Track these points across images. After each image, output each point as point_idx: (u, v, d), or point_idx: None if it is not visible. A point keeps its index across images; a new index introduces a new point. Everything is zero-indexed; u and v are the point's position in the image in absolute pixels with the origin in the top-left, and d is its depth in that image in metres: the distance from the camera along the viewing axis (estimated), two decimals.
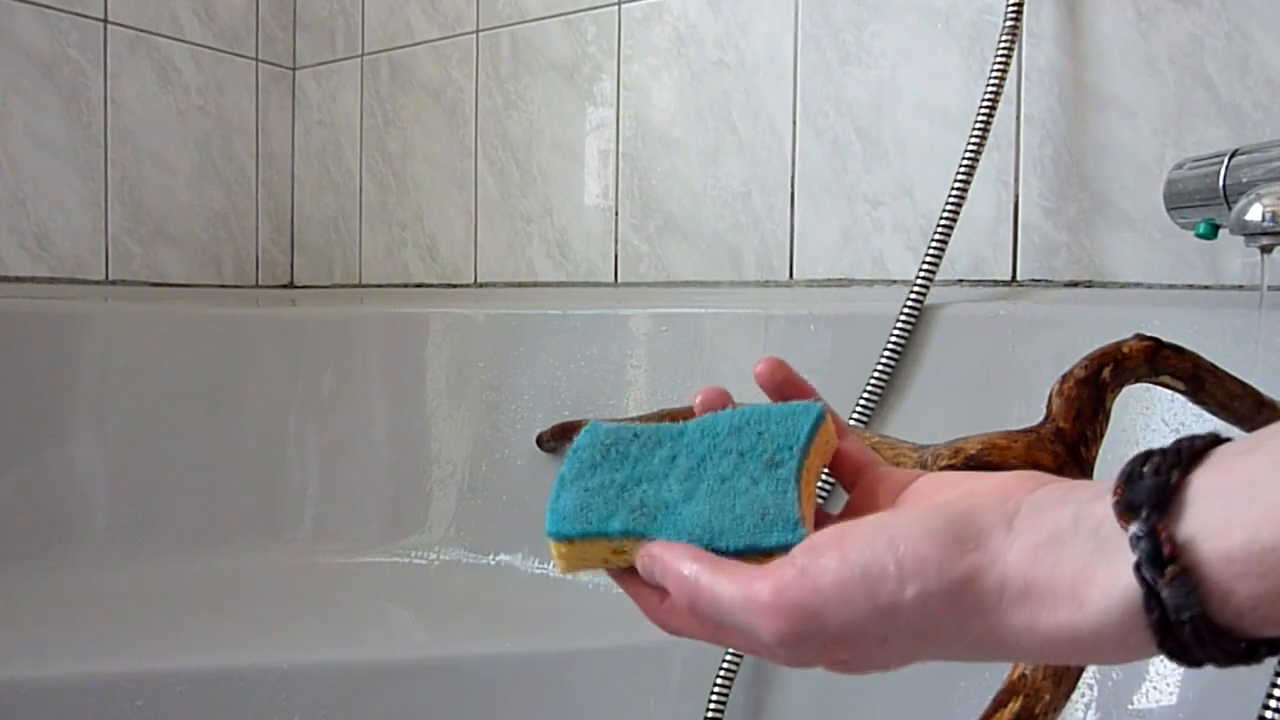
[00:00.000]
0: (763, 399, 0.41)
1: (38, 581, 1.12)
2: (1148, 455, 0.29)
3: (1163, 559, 0.27)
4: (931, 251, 1.03)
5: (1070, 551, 0.29)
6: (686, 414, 1.10)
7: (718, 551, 0.35)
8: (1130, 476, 0.28)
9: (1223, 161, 0.77)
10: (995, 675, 0.54)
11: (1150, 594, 0.27)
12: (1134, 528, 0.27)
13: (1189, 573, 0.26)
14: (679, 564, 0.35)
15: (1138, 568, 0.27)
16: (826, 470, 0.40)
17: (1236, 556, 0.26)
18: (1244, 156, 0.76)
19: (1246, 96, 0.97)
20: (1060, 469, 0.57)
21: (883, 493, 0.39)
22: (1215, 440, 0.29)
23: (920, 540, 0.31)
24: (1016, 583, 0.30)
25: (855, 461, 0.41)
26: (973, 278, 1.11)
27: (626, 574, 0.38)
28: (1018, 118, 1.08)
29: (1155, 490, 0.28)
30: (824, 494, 1.01)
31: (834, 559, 0.31)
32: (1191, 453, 0.28)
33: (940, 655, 0.32)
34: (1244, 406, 0.62)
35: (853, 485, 0.41)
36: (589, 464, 0.39)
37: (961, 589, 0.30)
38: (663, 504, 0.37)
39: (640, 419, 1.07)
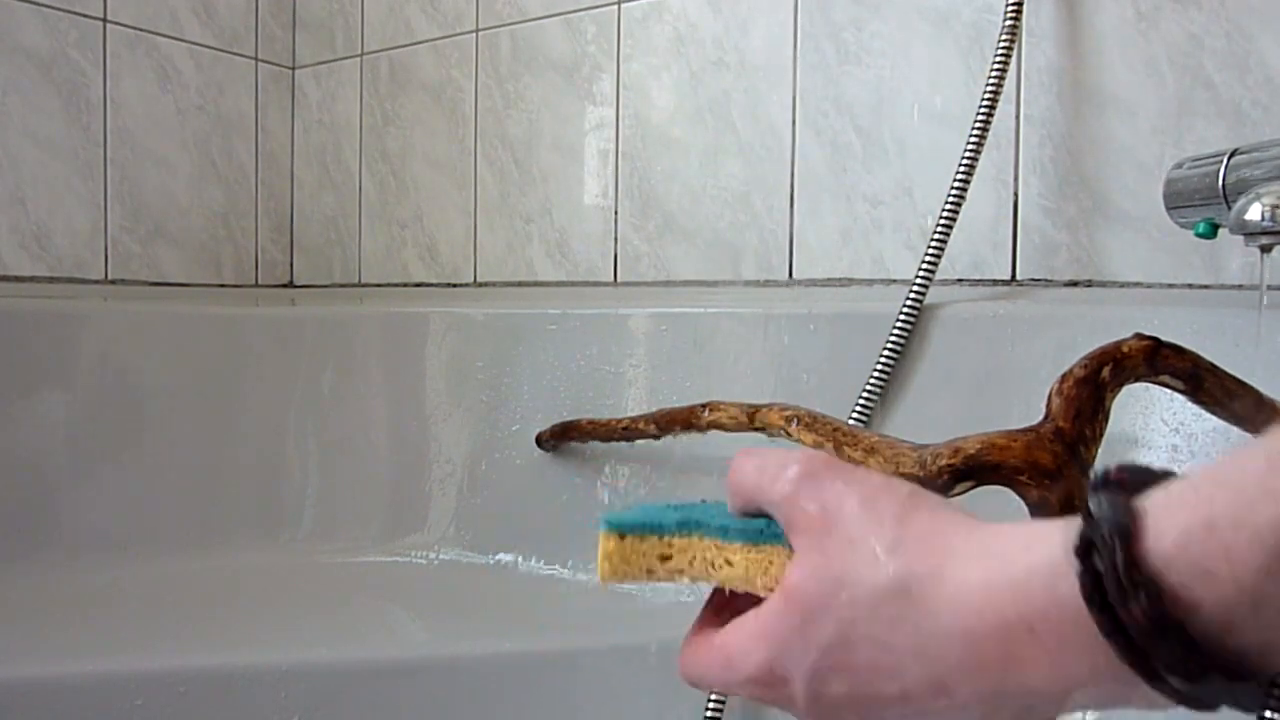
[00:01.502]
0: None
1: (37, 581, 1.12)
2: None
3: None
4: (931, 251, 1.03)
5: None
6: (686, 414, 1.09)
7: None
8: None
9: (1222, 161, 0.77)
10: None
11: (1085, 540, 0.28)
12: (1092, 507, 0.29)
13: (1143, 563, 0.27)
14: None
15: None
16: None
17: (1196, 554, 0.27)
18: (1244, 156, 0.76)
19: (1246, 96, 0.97)
20: (1060, 468, 0.57)
21: None
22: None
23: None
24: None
25: None
26: (972, 277, 1.11)
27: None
28: (1017, 117, 1.08)
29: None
30: None
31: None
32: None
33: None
34: (1243, 406, 0.62)
35: None
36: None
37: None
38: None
39: (640, 419, 1.07)
